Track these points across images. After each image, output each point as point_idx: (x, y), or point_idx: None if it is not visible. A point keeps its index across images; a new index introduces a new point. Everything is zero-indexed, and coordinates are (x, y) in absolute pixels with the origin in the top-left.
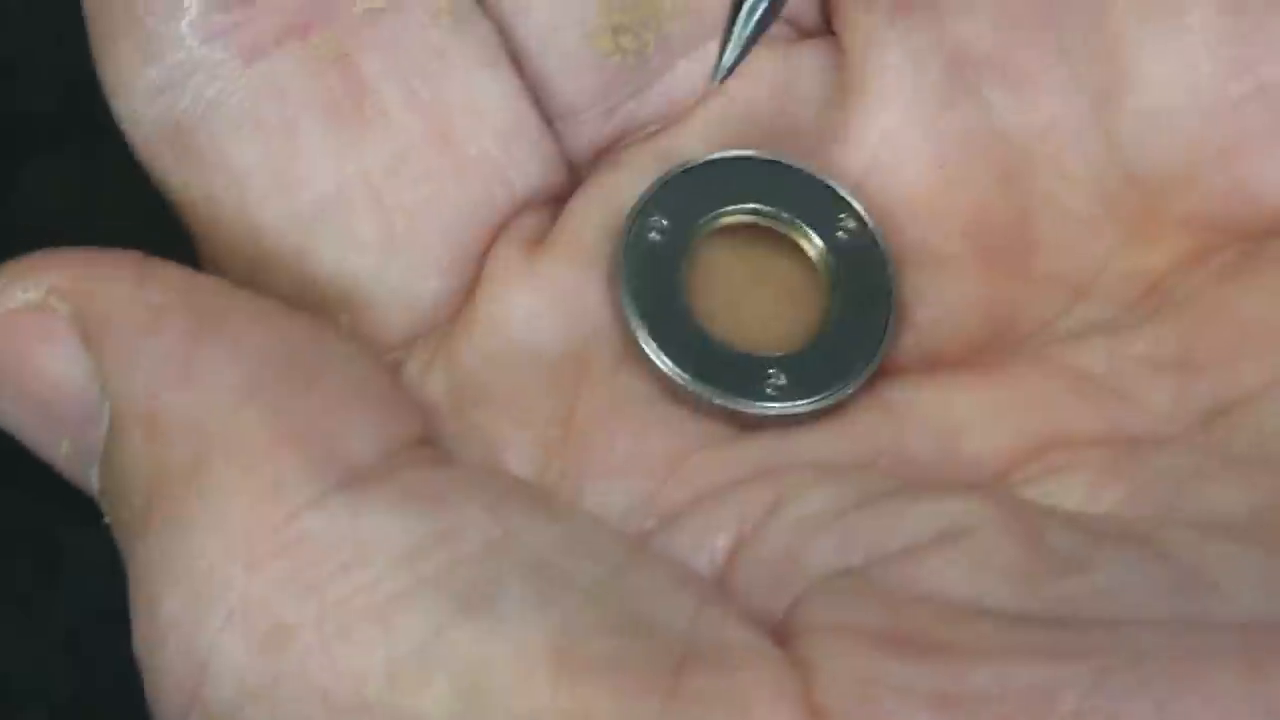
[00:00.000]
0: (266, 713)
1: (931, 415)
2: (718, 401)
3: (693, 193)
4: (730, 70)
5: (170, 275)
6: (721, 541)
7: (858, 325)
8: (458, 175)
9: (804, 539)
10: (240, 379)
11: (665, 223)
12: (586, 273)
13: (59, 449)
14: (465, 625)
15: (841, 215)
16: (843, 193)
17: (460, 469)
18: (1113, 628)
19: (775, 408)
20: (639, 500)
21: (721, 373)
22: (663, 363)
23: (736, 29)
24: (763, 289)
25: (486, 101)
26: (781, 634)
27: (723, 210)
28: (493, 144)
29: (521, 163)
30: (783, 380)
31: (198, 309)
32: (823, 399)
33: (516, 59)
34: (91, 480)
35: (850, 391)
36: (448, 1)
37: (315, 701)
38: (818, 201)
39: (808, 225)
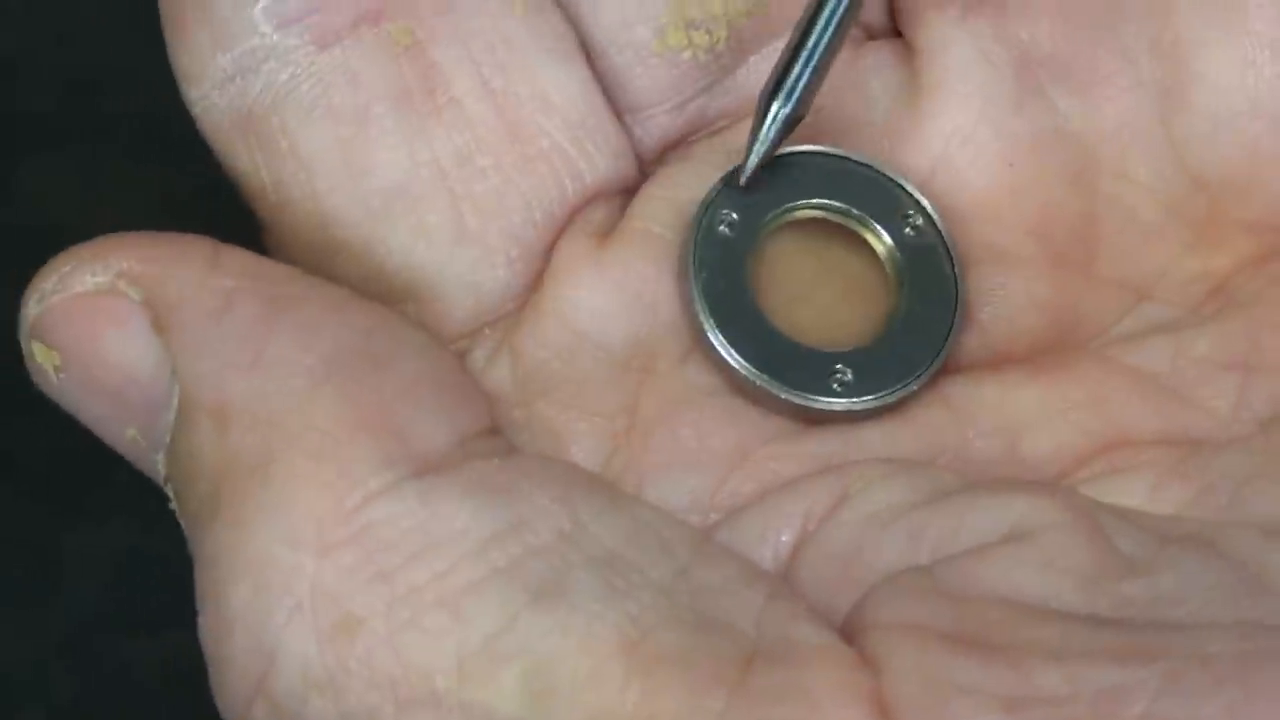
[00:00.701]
0: (332, 704)
1: (994, 413)
2: (784, 396)
3: (761, 188)
4: (754, 173)
5: (242, 260)
6: (786, 536)
7: (923, 322)
8: (527, 166)
9: (870, 535)
10: (311, 365)
11: (734, 216)
12: (654, 265)
13: (125, 435)
14: (537, 616)
15: (909, 212)
16: (910, 189)
17: (529, 459)
18: (1181, 630)
19: (840, 403)
20: (703, 493)
21: (788, 367)
22: (730, 356)
23: (761, 133)
24: (830, 284)
25: (557, 93)
26: (848, 631)
27: (791, 205)
28: (563, 136)
29: (591, 155)
30: (849, 376)
31: (269, 294)
32: (887, 395)
33: (588, 53)
34: (157, 467)
35: (915, 388)
36: None
37: (383, 693)
38: (885, 198)
39: (875, 221)
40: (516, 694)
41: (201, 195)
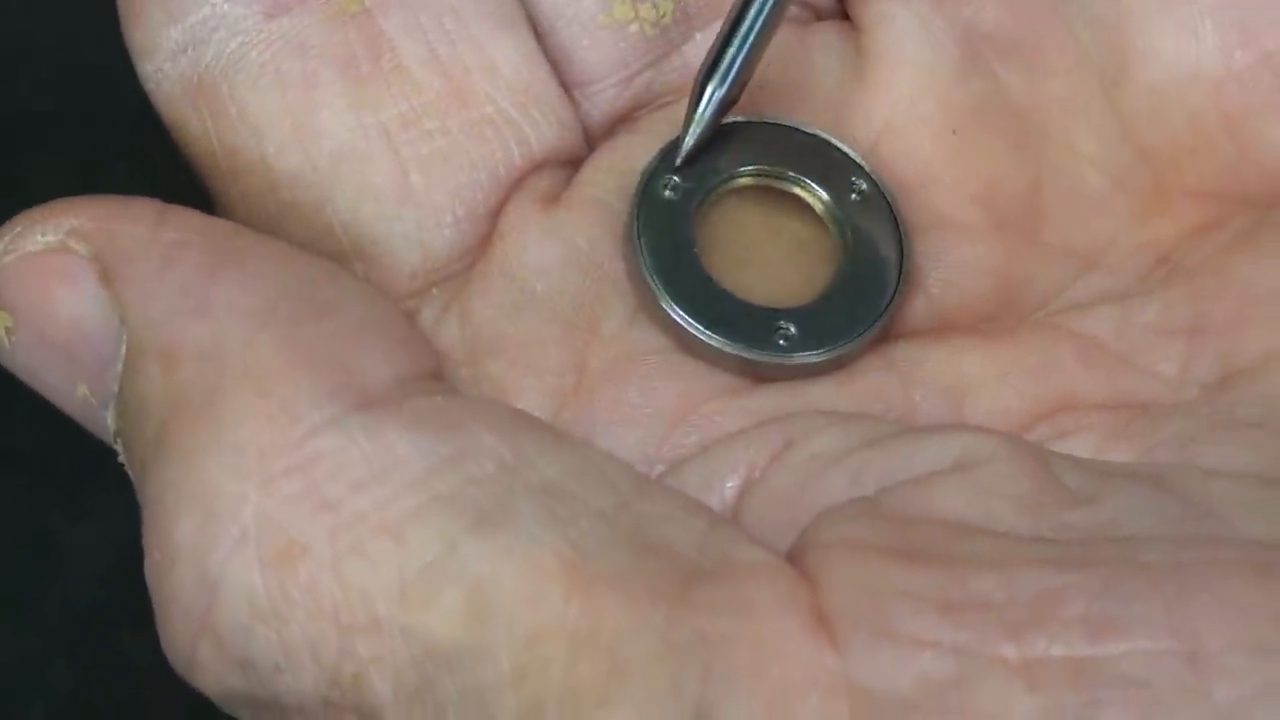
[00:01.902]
0: (276, 634)
1: (940, 376)
2: (729, 350)
3: (706, 154)
4: (691, 153)
5: (187, 217)
6: (731, 482)
7: (868, 282)
8: (473, 131)
9: (814, 475)
10: (255, 308)
11: (678, 180)
12: (601, 228)
13: (75, 393)
14: (477, 541)
15: (854, 179)
16: (855, 157)
17: (473, 400)
18: (1121, 543)
19: (785, 358)
20: (648, 447)
21: (733, 323)
22: (675, 313)
23: (697, 114)
24: (774, 246)
25: (504, 63)
26: (792, 557)
27: (735, 171)
28: (509, 103)
29: (537, 122)
30: (792, 331)
31: (214, 246)
32: (832, 350)
33: (536, 29)
34: (106, 423)
35: (860, 344)
36: None
37: (326, 620)
38: (830, 165)
39: (819, 186)
40: (457, 616)
41: (199, 192)
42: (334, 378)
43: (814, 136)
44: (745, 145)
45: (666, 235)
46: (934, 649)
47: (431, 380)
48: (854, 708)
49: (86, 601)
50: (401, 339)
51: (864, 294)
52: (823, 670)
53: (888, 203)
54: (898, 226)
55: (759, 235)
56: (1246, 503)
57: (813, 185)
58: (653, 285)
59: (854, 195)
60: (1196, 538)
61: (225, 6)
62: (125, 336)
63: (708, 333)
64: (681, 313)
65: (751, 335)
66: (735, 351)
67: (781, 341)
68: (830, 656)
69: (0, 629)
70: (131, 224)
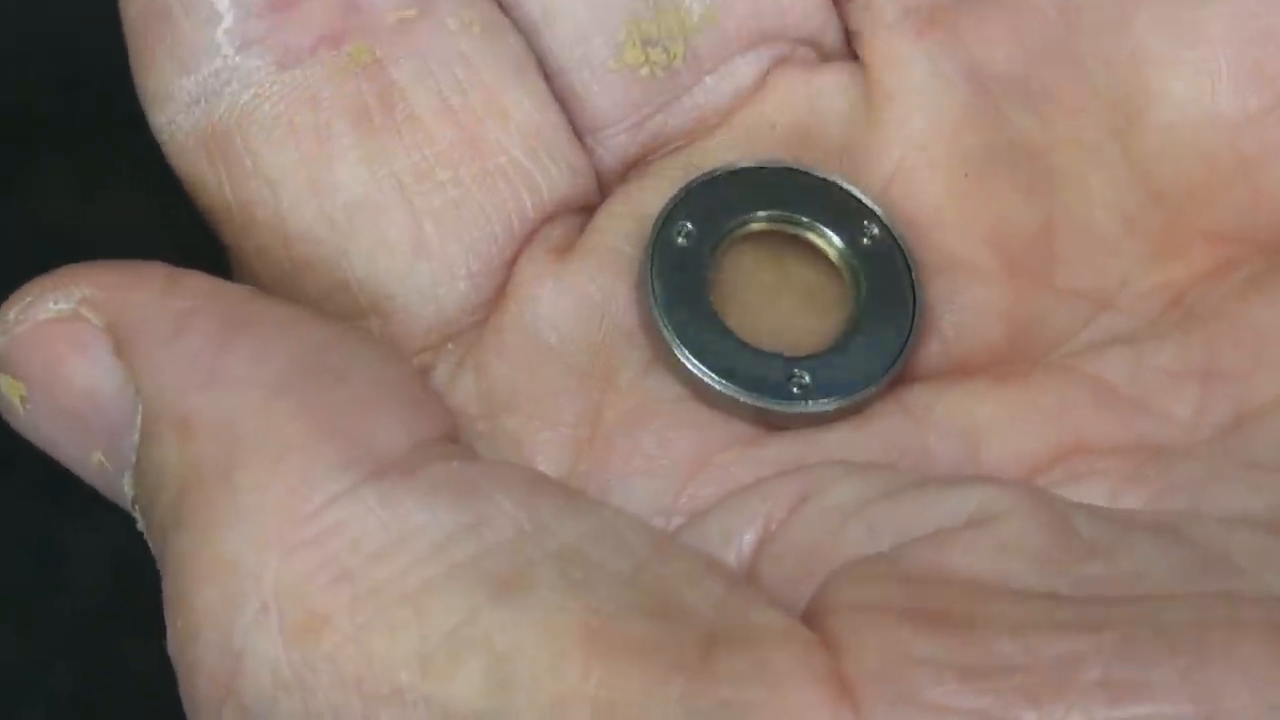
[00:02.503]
0: (300, 703)
1: (953, 420)
2: (744, 400)
3: (719, 200)
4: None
5: (197, 283)
6: (748, 536)
7: (882, 327)
8: (486, 181)
9: (831, 529)
10: (268, 377)
11: (691, 228)
12: (614, 279)
13: (91, 460)
14: (497, 610)
15: (865, 222)
16: (866, 200)
17: (489, 463)
18: (1138, 603)
19: (800, 406)
20: (665, 498)
21: (748, 372)
22: (690, 363)
23: None
24: (787, 293)
25: (516, 110)
26: (809, 617)
27: (748, 216)
28: (521, 152)
29: (549, 171)
30: (807, 380)
31: (224, 314)
32: (848, 398)
33: (547, 74)
34: (124, 490)
35: (875, 391)
36: (477, 13)
37: (349, 690)
38: (842, 209)
39: (831, 231)
40: (478, 686)
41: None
42: (350, 446)
43: (824, 180)
44: (757, 190)
45: (680, 283)
46: (956, 715)
47: (447, 443)
48: None
49: (87, 605)
50: (416, 402)
51: (878, 340)
52: None
53: (900, 247)
54: (910, 271)
55: (772, 283)
56: (1262, 553)
57: (825, 230)
58: (667, 335)
59: (866, 240)
60: (1214, 595)
61: (237, 58)
62: (140, 406)
63: (723, 382)
64: (696, 362)
65: (766, 384)
66: (750, 401)
67: (796, 390)
68: None
69: (1, 632)
70: (142, 292)
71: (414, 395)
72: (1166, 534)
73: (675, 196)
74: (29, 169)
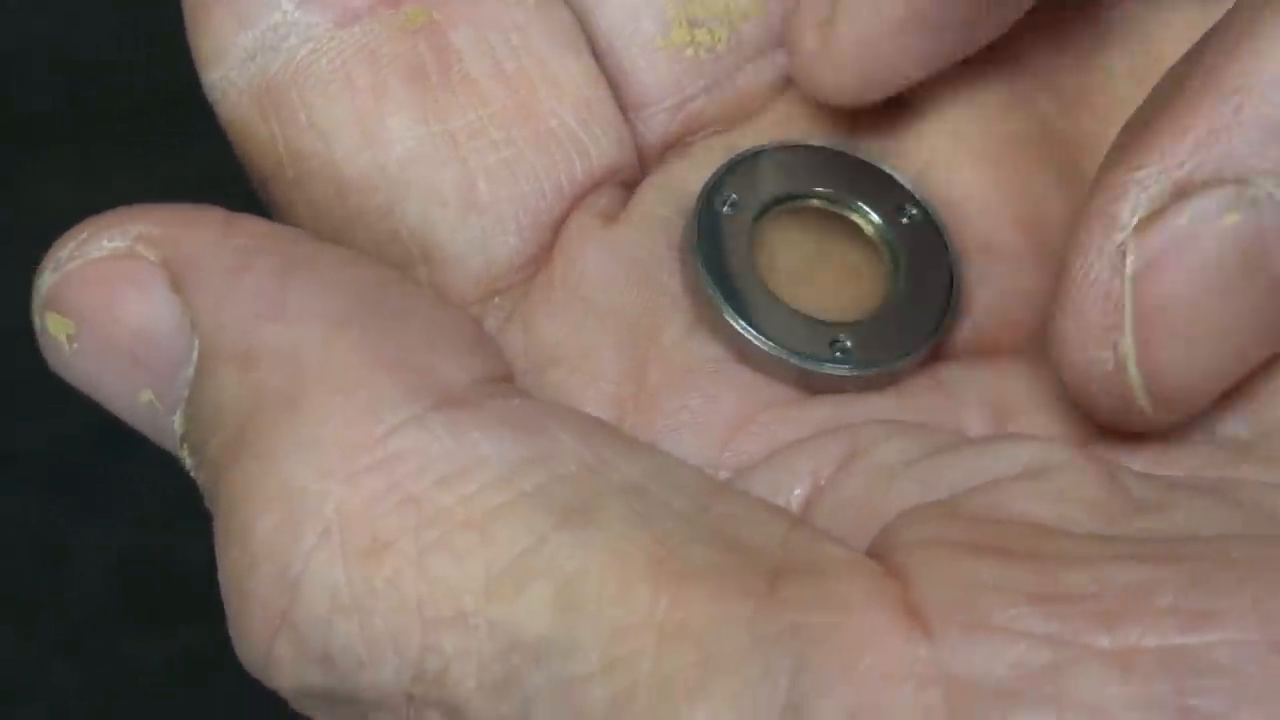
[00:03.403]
0: (358, 628)
1: (984, 397)
2: (789, 361)
3: (762, 174)
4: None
5: (254, 224)
6: (797, 491)
7: (921, 301)
8: (538, 143)
9: (881, 484)
10: (331, 311)
11: (736, 198)
12: (660, 243)
13: (139, 399)
14: (564, 536)
15: (904, 204)
16: (903, 181)
17: (549, 404)
18: (1204, 541)
19: (843, 370)
20: (710, 454)
21: (792, 335)
22: (736, 323)
23: None
24: (828, 266)
25: (567, 79)
26: (873, 554)
27: (791, 191)
28: (572, 118)
29: (599, 138)
30: (849, 345)
31: (285, 251)
32: (888, 365)
33: (595, 50)
34: (172, 429)
35: (916, 359)
36: None
37: (410, 614)
38: (881, 189)
39: (871, 210)
40: (544, 610)
41: (202, 190)
42: (414, 377)
43: (864, 163)
44: (800, 167)
45: (724, 250)
46: (1028, 639)
47: (505, 384)
48: (949, 697)
49: (89, 603)
50: (475, 343)
51: (918, 312)
52: (916, 660)
53: (937, 227)
54: (947, 249)
55: (813, 256)
56: None
57: (865, 209)
58: (713, 295)
59: (904, 220)
60: (1274, 538)
61: (297, 14)
62: (197, 341)
63: (768, 343)
64: (742, 323)
65: (810, 347)
66: (795, 362)
67: (839, 353)
68: (923, 647)
69: (2, 630)
70: (200, 229)
71: (473, 336)
72: (1213, 495)
73: (720, 169)
74: (28, 168)
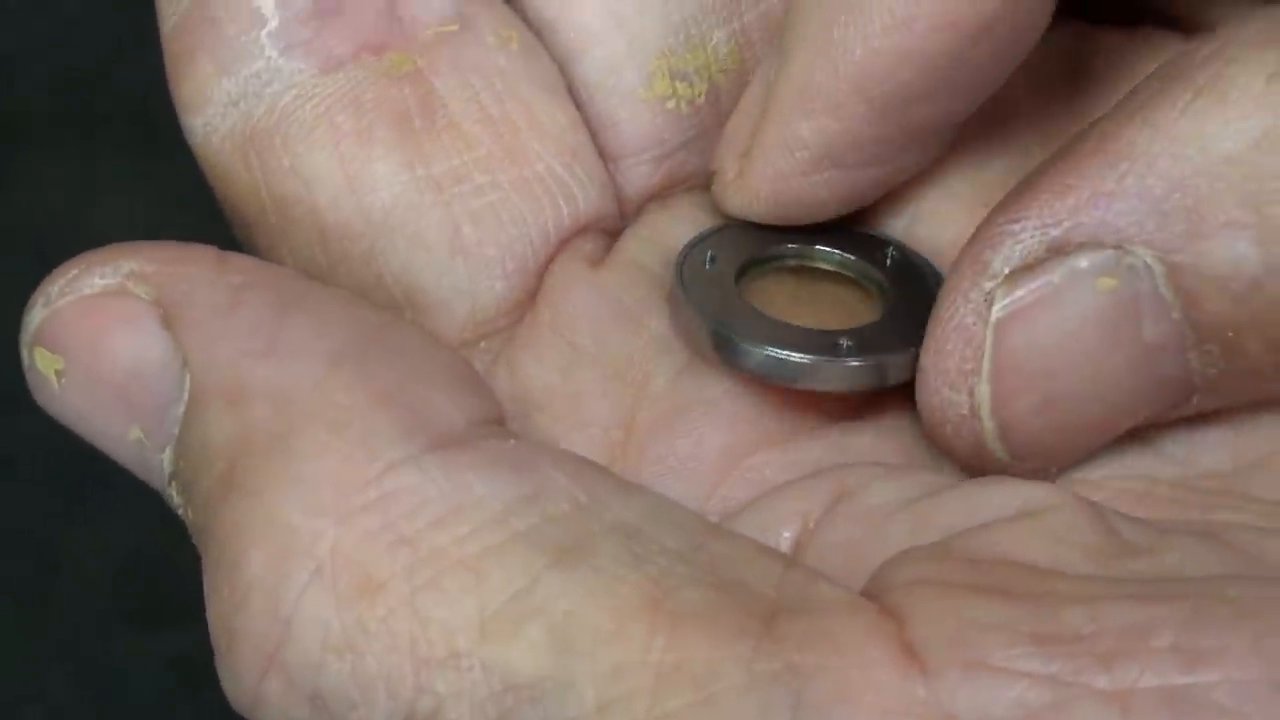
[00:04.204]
0: (350, 668)
1: None
2: (793, 359)
3: (743, 237)
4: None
5: (247, 262)
6: (786, 533)
7: (914, 316)
8: (523, 188)
9: (873, 526)
10: (326, 349)
11: (714, 256)
12: (646, 290)
13: (127, 436)
14: (560, 577)
15: (885, 249)
16: (884, 235)
17: (542, 445)
18: (1201, 581)
19: (851, 361)
20: (701, 498)
21: (791, 339)
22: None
23: None
24: (814, 299)
25: (551, 124)
26: (867, 595)
27: (771, 250)
28: (557, 163)
29: (583, 183)
30: (851, 345)
31: (279, 288)
32: (893, 354)
33: (576, 100)
34: (161, 466)
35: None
36: (515, 31)
37: (402, 655)
38: (860, 241)
39: (852, 255)
40: (539, 651)
41: (199, 191)
42: (408, 416)
43: (841, 224)
44: (776, 231)
45: (712, 294)
46: (1028, 679)
47: (498, 425)
48: None
49: (86, 606)
50: (470, 384)
51: (912, 324)
52: (915, 700)
53: (920, 260)
54: (933, 272)
55: (800, 293)
56: None
57: (848, 256)
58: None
59: (887, 261)
60: (1270, 580)
61: (280, 60)
62: (188, 379)
63: (769, 348)
64: (741, 335)
65: (812, 346)
66: (800, 359)
67: (844, 347)
68: (921, 687)
69: (1, 632)
70: (192, 267)
71: (468, 377)
72: (1204, 537)
73: (700, 234)
74: (28, 168)
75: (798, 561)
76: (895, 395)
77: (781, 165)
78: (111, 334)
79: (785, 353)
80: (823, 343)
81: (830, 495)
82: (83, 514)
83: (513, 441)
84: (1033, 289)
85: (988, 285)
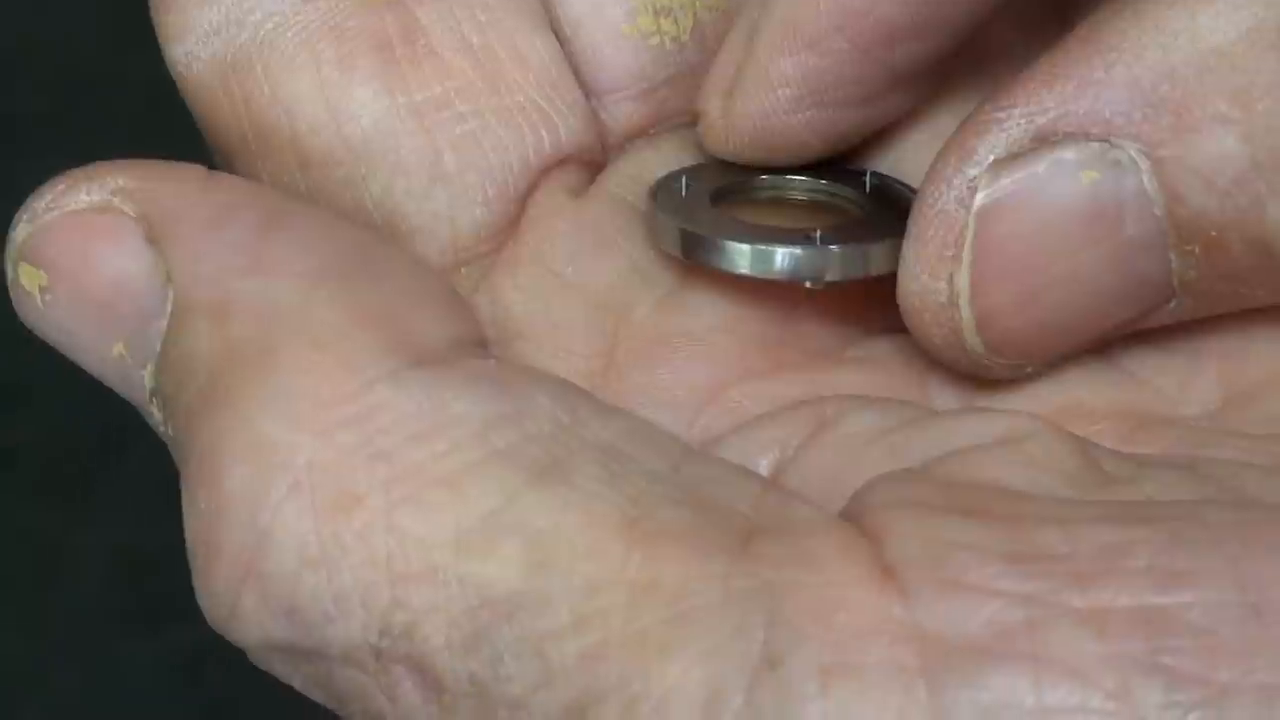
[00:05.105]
0: (326, 582)
1: (953, 375)
2: (779, 251)
3: (722, 172)
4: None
5: (234, 181)
6: (764, 461)
7: (896, 214)
8: (505, 117)
9: (851, 453)
10: (309, 267)
11: (693, 184)
12: (629, 221)
13: (110, 352)
14: (537, 494)
15: (866, 175)
16: (866, 170)
17: (524, 366)
18: (1179, 505)
19: (834, 246)
20: (681, 427)
21: (774, 237)
22: (720, 236)
23: None
24: (790, 210)
25: (533, 56)
26: (845, 517)
27: (747, 178)
28: (538, 94)
29: (565, 115)
30: (830, 237)
31: (264, 208)
32: (876, 242)
33: (559, 33)
34: (141, 383)
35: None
36: None
37: (379, 568)
38: (842, 175)
39: (833, 183)
40: (515, 566)
41: None
42: (390, 334)
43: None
44: (759, 171)
45: (683, 206)
46: (1002, 597)
47: (481, 346)
48: (923, 653)
49: (87, 603)
50: (452, 305)
51: (894, 218)
52: (890, 617)
53: (902, 185)
54: (910, 190)
55: (775, 207)
56: (1276, 491)
57: (823, 182)
58: (691, 226)
59: (867, 188)
60: (1248, 505)
61: None
62: (171, 294)
63: (755, 242)
64: (728, 235)
65: (794, 240)
66: (784, 249)
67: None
68: (897, 605)
69: (1, 631)
70: (179, 184)
71: (450, 298)
72: (1184, 470)
73: (675, 171)
74: (25, 169)
75: (775, 484)
76: (880, 337)
77: (764, 103)
78: (96, 249)
79: (761, 244)
80: (799, 236)
81: (810, 425)
82: (81, 513)
83: (493, 361)
84: (1017, 179)
85: (972, 172)
